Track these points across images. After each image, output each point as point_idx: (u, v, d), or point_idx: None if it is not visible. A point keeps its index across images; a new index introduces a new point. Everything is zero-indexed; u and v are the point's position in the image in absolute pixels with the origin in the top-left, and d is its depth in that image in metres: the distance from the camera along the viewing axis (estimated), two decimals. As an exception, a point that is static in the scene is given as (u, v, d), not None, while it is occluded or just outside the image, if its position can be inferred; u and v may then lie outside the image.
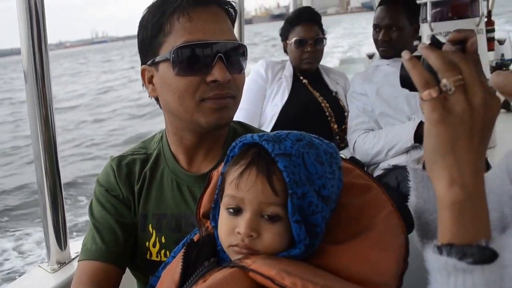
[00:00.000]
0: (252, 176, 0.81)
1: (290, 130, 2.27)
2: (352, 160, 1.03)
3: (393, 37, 2.27)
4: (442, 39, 0.72)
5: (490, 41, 4.47)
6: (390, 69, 2.29)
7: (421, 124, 2.10)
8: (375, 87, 2.26)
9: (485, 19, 4.35)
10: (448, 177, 0.60)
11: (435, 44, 0.66)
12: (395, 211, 0.88)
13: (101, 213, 1.13)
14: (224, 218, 0.84)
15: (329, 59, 12.54)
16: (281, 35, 2.46)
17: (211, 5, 1.03)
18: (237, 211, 0.82)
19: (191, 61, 0.99)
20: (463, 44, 0.73)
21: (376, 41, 2.31)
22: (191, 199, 1.09)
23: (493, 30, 4.65)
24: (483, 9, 4.29)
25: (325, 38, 2.42)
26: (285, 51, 2.45)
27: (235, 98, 1.06)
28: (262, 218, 0.81)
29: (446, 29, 4.09)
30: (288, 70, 2.39)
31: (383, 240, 0.82)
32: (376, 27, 2.30)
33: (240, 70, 1.05)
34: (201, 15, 1.00)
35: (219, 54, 0.99)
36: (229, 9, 1.07)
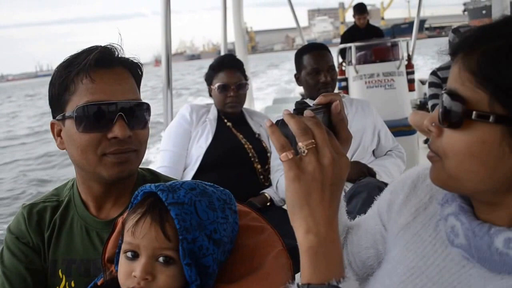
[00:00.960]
0: (146, 223, 0.89)
1: (215, 170, 2.42)
2: (249, 204, 1.15)
3: (334, 78, 2.49)
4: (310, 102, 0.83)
5: (411, 82, 4.83)
6: (309, 111, 2.46)
7: None
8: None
9: (406, 62, 4.72)
10: (304, 226, 0.69)
11: (298, 109, 0.76)
12: (284, 251, 0.98)
13: (11, 260, 1.16)
14: (122, 262, 0.92)
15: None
16: (206, 80, 2.57)
17: (115, 66, 1.12)
18: (134, 256, 0.90)
19: (93, 119, 1.07)
20: (328, 106, 0.83)
21: (315, 83, 2.46)
22: (100, 245, 1.14)
23: (412, 72, 5.02)
24: (403, 53, 4.67)
25: (248, 84, 2.55)
26: (210, 95, 2.56)
27: (138, 152, 1.14)
28: (157, 262, 0.89)
29: (369, 71, 4.38)
30: (213, 113, 2.50)
31: (271, 277, 0.92)
32: (316, 70, 2.45)
33: (143, 125, 1.14)
34: (103, 76, 1.09)
35: (119, 113, 1.07)
36: (134, 68, 1.16)
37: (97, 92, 1.07)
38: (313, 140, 0.69)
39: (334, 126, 0.83)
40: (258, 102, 8.15)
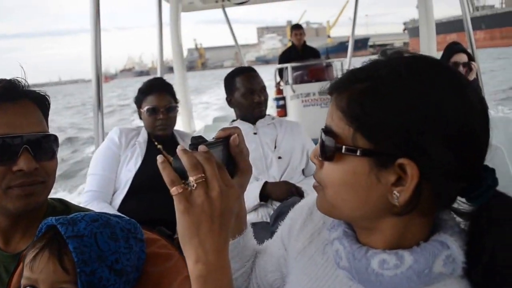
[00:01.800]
0: (44, 258, 0.89)
1: (145, 194, 2.39)
2: (159, 231, 1.17)
3: (266, 98, 2.57)
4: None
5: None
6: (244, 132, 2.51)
7: (266, 184, 2.32)
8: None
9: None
10: (194, 256, 0.73)
11: (194, 144, 0.79)
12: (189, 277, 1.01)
13: None
14: (23, 297, 0.92)
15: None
16: (135, 103, 2.57)
17: (19, 99, 1.12)
18: (33, 290, 0.90)
19: None
20: (228, 140, 0.87)
21: (250, 104, 2.52)
22: (7, 279, 1.10)
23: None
24: (337, 73, 4.83)
25: (177, 106, 2.56)
26: (140, 118, 2.56)
27: (45, 183, 1.13)
28: None
29: (305, 90, 4.51)
30: (143, 136, 2.49)
31: None
32: (250, 91, 2.51)
33: (50, 156, 1.14)
34: (8, 109, 1.09)
35: (24, 146, 1.07)
36: (40, 100, 1.16)
37: (1, 126, 1.07)
38: (202, 175, 0.73)
39: (233, 158, 0.88)
40: (201, 120, 8.14)
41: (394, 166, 0.68)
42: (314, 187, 0.81)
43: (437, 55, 5.14)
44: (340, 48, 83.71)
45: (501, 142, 3.62)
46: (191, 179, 0.73)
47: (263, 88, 2.56)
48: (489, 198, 0.71)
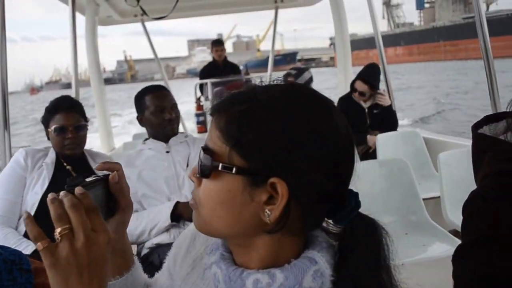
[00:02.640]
0: None
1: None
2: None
3: (178, 115, 2.54)
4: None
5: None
6: (151, 153, 2.49)
7: (177, 204, 2.32)
8: (136, 171, 2.40)
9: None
10: None
11: (70, 186, 0.76)
12: None
13: None
14: None
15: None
16: (42, 123, 2.48)
17: None
18: None
19: None
20: (107, 176, 0.87)
21: (161, 122, 2.48)
22: None
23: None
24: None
25: (87, 125, 2.51)
26: (48, 138, 2.48)
27: None
28: None
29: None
30: (50, 157, 2.42)
31: None
32: (161, 108, 2.47)
33: None
34: None
35: None
36: None
37: None
38: (67, 226, 0.72)
39: (113, 195, 0.88)
40: (122, 137, 7.93)
41: (267, 185, 0.71)
42: (191, 205, 0.82)
43: (353, 70, 5.42)
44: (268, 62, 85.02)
45: (407, 156, 3.86)
46: (56, 231, 0.71)
47: (174, 106, 2.54)
48: (352, 220, 0.76)
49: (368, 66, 4.22)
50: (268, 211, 0.72)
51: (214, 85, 4.89)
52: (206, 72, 6.06)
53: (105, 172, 0.90)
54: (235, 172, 0.73)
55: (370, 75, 4.10)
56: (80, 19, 4.57)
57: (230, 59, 6.34)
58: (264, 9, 6.12)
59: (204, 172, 0.76)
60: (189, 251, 0.95)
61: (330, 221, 0.80)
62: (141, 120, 2.58)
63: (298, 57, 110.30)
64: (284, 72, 4.25)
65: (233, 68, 6.19)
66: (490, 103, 3.22)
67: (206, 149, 0.77)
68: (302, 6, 6.23)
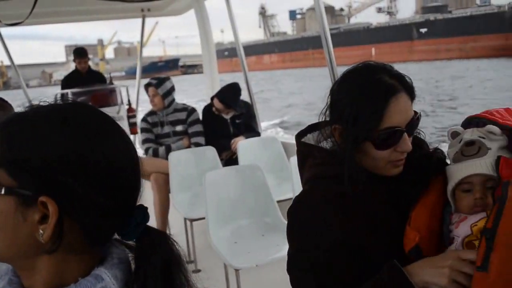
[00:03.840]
0: None
1: None
2: None
3: None
4: None
5: (132, 126, 4.95)
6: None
7: None
8: None
9: (127, 107, 4.81)
10: None
11: None
12: None
13: None
14: None
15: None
16: None
17: None
18: None
19: None
20: None
21: None
22: None
23: (134, 116, 5.17)
24: (122, 98, 4.76)
25: None
26: None
27: None
28: None
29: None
30: None
31: None
32: None
33: None
34: None
35: None
36: None
37: None
38: None
39: None
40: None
41: (38, 204, 0.69)
42: None
43: (219, 76, 5.50)
44: (151, 68, 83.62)
45: (267, 161, 3.97)
46: None
47: None
48: (141, 234, 0.76)
49: (227, 86, 4.33)
50: (41, 231, 0.69)
51: (76, 95, 4.60)
52: (69, 81, 5.63)
53: None
54: (4, 193, 0.69)
55: (225, 95, 4.22)
56: None
57: (112, 65, 6.02)
58: (132, 17, 5.91)
59: None
60: None
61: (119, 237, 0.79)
62: None
63: (180, 63, 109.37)
64: (147, 81, 4.13)
65: (98, 77, 5.81)
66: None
67: None
68: (168, 16, 6.13)
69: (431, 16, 70.24)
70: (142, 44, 5.96)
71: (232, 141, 4.17)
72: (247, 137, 4.17)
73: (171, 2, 5.31)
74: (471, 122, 1.23)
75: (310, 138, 1.36)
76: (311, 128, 1.38)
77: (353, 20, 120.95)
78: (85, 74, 5.52)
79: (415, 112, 1.20)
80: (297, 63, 77.70)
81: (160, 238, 0.77)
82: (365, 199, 1.20)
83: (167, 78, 4.16)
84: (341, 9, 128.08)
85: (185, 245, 3.54)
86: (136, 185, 0.77)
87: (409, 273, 1.07)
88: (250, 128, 4.37)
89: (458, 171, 1.14)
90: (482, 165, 1.10)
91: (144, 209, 0.77)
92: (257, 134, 4.40)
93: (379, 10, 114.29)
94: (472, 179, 1.11)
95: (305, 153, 1.33)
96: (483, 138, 1.14)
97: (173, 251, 0.78)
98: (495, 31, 57.66)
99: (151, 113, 4.17)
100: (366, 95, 1.16)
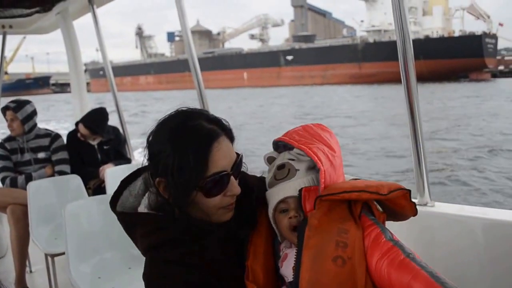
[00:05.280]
0: None
1: None
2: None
3: None
4: None
5: None
6: None
7: None
8: None
9: None
10: None
11: None
12: None
13: None
14: None
15: None
16: None
17: None
18: None
19: None
20: None
21: None
22: None
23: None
24: None
25: None
26: None
27: None
28: None
29: None
30: None
31: None
32: None
33: None
34: None
35: None
36: None
37: None
38: None
39: None
40: None
41: None
42: None
43: (88, 95, 5.20)
44: (18, 86, 76.44)
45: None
46: None
47: None
48: None
49: (93, 110, 4.11)
50: None
51: None
52: None
53: None
54: None
55: (91, 120, 3.98)
56: None
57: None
58: (-9, 33, 5.31)
59: None
60: None
61: None
62: None
63: (52, 81, 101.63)
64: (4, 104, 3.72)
65: None
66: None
67: None
68: (33, 34, 5.65)
69: (297, 45, 74.89)
70: (2, 60, 5.37)
71: (100, 168, 3.93)
72: (116, 164, 3.95)
73: (35, 20, 4.91)
74: (278, 145, 1.23)
75: (127, 196, 1.25)
76: (125, 184, 1.25)
77: (227, 45, 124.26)
78: None
79: (237, 154, 1.17)
80: (174, 85, 77.14)
81: None
82: (206, 253, 1.15)
83: (28, 102, 3.80)
84: (218, 33, 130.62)
85: (47, 283, 3.21)
86: None
87: None
88: (119, 155, 4.16)
89: (272, 196, 1.15)
90: (291, 188, 1.12)
91: None
92: (128, 161, 4.19)
93: (252, 36, 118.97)
94: (287, 200, 1.13)
95: (131, 223, 1.20)
96: (293, 160, 1.16)
97: None
98: (351, 60, 63.47)
99: (9, 139, 3.77)
100: (187, 144, 1.09)
